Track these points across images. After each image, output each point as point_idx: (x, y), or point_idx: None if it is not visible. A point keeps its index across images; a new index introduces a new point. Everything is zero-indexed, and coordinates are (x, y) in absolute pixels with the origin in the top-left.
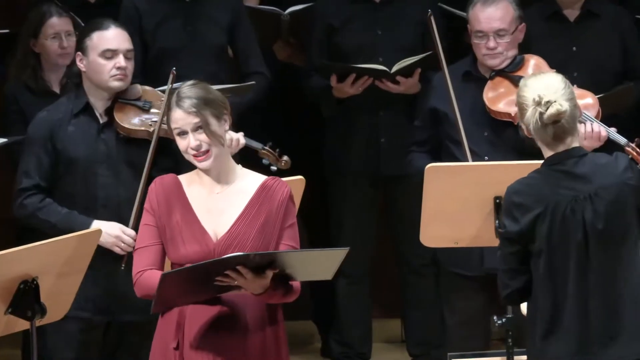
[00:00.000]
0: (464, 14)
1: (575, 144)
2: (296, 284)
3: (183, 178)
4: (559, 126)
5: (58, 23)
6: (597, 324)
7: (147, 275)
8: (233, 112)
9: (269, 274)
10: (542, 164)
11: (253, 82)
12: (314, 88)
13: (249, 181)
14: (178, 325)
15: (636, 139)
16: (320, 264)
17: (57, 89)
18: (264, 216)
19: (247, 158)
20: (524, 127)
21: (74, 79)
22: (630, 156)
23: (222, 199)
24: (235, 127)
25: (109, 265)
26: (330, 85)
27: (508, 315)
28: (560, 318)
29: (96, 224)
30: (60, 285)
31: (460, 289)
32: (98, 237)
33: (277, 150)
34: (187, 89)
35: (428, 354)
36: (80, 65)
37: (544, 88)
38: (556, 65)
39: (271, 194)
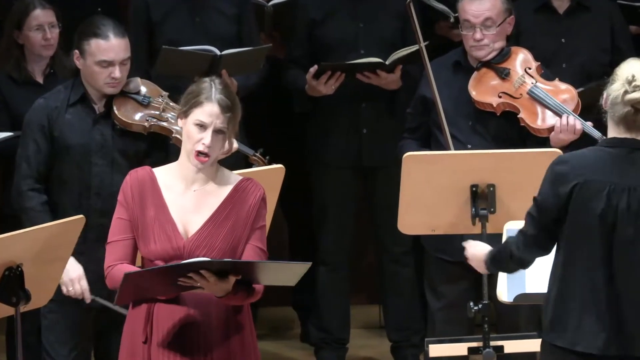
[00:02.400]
0: (440, 5)
1: None
2: (259, 287)
3: (160, 171)
4: (634, 113)
5: (41, 15)
6: (626, 315)
7: (117, 269)
8: (239, 95)
9: (232, 279)
10: (598, 143)
11: (269, 45)
12: (289, 82)
13: (226, 181)
14: (147, 320)
15: None
16: (283, 273)
17: (40, 80)
18: (234, 218)
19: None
20: (604, 96)
21: (71, 64)
22: None
23: (197, 197)
24: None
25: (98, 251)
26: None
27: (484, 302)
28: (583, 305)
29: (71, 260)
30: (44, 271)
31: (444, 274)
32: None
33: (267, 157)
34: (224, 89)
35: (408, 339)
36: (77, 62)
37: None
38: (545, 56)
39: (244, 195)
